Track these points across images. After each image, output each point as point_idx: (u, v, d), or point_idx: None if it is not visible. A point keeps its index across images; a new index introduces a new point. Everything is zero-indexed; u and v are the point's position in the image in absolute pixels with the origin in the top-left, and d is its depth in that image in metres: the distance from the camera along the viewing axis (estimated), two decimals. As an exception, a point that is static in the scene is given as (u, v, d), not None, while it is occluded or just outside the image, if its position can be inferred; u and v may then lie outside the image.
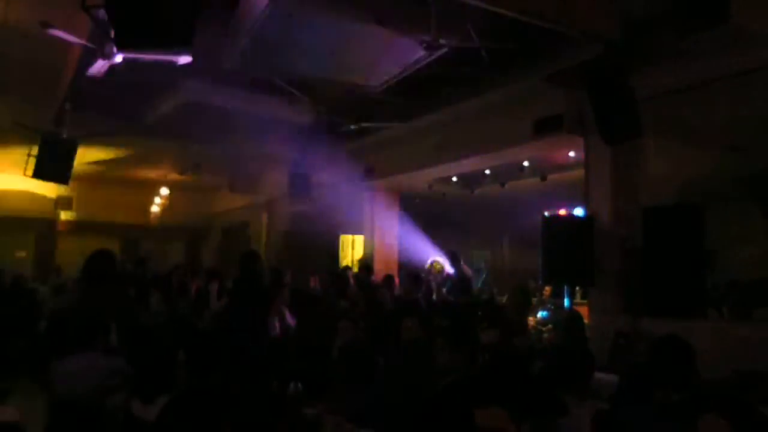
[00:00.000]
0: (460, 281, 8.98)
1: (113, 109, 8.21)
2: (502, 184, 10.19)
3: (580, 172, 7.11)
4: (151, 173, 13.28)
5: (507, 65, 6.07)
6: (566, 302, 8.95)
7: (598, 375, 4.15)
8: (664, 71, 5.75)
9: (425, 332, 4.22)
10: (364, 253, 11.04)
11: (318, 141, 9.00)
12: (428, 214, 11.03)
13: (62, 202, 13.97)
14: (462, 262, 9.10)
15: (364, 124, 8.40)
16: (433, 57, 5.50)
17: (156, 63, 5.00)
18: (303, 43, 4.89)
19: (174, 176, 13.16)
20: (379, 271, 9.68)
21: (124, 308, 4.67)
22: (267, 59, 5.23)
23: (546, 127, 7.01)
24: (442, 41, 5.12)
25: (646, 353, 3.09)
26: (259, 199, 13.72)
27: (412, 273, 8.84)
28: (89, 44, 5.11)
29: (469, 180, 10.40)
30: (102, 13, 3.68)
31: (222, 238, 16.08)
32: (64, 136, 7.94)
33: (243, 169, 12.73)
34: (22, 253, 14.25)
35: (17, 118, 8.50)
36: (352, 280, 8.68)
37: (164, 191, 14.21)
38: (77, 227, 14.21)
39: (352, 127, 8.47)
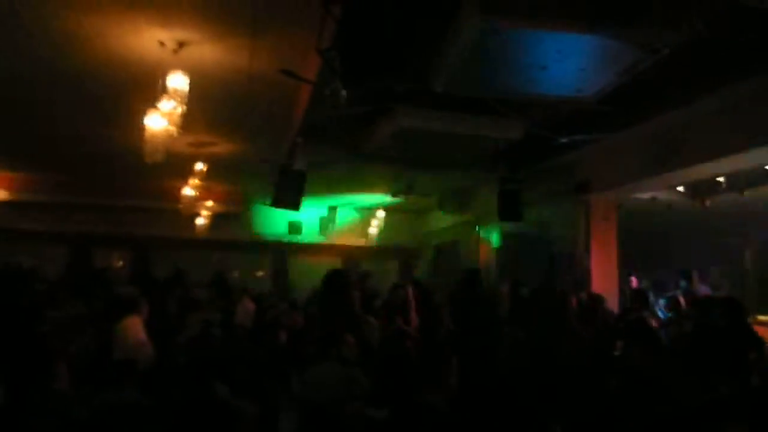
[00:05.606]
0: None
1: (336, 140, 8.96)
2: (742, 192, 9.05)
3: None
4: (368, 198, 14.25)
5: (747, 58, 5.38)
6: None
7: None
8: None
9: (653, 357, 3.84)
10: None
11: (527, 157, 8.83)
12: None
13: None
14: (697, 280, 8.23)
15: (576, 137, 8.04)
16: (654, 59, 5.06)
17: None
18: (514, 59, 4.84)
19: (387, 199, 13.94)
20: (597, 289, 9.12)
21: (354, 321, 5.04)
22: (478, 80, 5.26)
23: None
24: (665, 41, 4.68)
25: None
26: (469, 217, 13.85)
27: (637, 290, 8.22)
28: (319, 83, 5.63)
29: (699, 189, 9.40)
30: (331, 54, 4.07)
31: (434, 257, 16.52)
32: (295, 167, 8.85)
33: (452, 188, 12.98)
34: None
35: (259, 154, 9.73)
36: None
37: (380, 213, 15.13)
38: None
39: (564, 140, 8.16)
